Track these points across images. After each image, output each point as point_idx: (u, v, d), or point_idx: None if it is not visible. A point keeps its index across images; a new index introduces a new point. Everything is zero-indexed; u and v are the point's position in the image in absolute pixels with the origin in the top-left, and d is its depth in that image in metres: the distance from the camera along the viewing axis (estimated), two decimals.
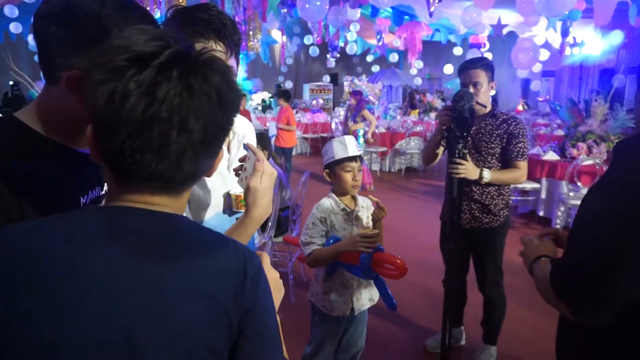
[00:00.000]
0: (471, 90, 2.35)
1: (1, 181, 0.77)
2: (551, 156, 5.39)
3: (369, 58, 13.97)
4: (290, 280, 3.45)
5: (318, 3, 6.20)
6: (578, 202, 4.79)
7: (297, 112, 12.81)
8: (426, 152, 2.60)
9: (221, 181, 1.20)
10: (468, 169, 2.21)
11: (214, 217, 1.19)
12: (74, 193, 0.88)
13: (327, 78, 16.61)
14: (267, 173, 1.01)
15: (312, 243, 1.86)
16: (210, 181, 1.15)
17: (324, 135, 10.95)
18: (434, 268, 3.76)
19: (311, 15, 6.54)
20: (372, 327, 3.05)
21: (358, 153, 1.94)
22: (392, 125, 9.41)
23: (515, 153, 2.36)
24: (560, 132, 7.29)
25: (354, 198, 2.00)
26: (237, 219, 1.13)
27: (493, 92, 2.43)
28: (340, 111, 12.17)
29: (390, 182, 8.07)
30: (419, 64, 12.73)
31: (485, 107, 2.42)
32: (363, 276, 1.87)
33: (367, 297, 2.01)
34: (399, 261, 1.77)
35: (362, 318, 2.08)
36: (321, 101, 15.36)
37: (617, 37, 8.96)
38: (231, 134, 1.21)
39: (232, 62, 1.08)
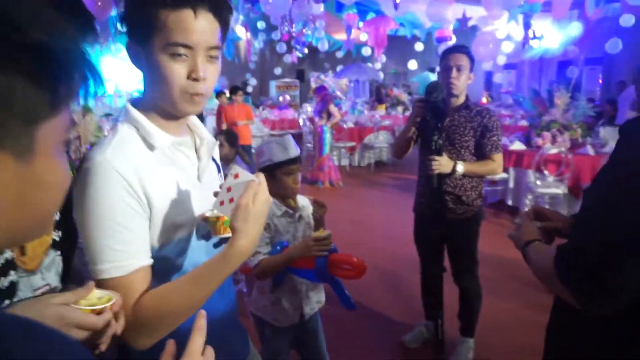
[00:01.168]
0: (454, 73, 2.31)
1: None
2: (518, 146, 5.47)
3: (339, 54, 13.89)
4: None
5: None
6: (545, 190, 4.92)
7: (263, 109, 12.66)
8: (398, 145, 2.55)
9: (191, 192, 0.99)
10: (442, 164, 2.23)
11: (185, 240, 0.98)
12: None
13: (278, 70, 16.22)
14: (264, 196, 0.84)
15: (257, 253, 1.70)
16: (177, 194, 0.96)
17: (292, 131, 10.84)
18: (408, 262, 3.74)
19: (274, 10, 6.42)
20: (349, 325, 2.99)
21: (298, 154, 1.80)
22: (360, 119, 9.40)
23: (490, 146, 2.34)
24: (524, 123, 7.45)
25: (293, 198, 1.85)
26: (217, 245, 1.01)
27: (469, 82, 2.40)
28: (308, 107, 12.09)
29: (360, 176, 8.04)
30: (382, 59, 12.80)
31: (457, 96, 2.38)
32: (319, 280, 1.76)
33: (315, 299, 1.90)
34: (355, 260, 1.68)
35: (317, 327, 1.95)
36: (288, 97, 15.23)
37: (574, 29, 9.22)
38: (198, 139, 1.04)
39: (218, 34, 0.93)
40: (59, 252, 0.87)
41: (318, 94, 7.21)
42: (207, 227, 1.01)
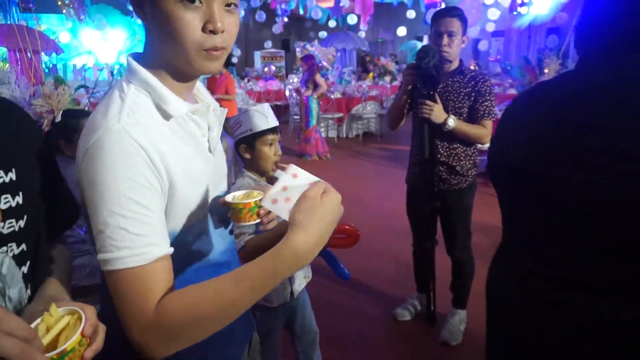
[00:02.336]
0: (445, 40, 2.20)
1: None
2: None
3: (331, 23, 13.54)
4: None
5: None
6: None
7: (248, 80, 12.39)
8: (391, 115, 2.44)
9: (209, 171, 0.90)
10: (434, 111, 2.14)
11: (203, 221, 0.89)
12: None
13: (269, 44, 15.93)
14: (337, 197, 0.74)
15: (241, 234, 1.58)
16: (193, 170, 0.84)
17: (278, 103, 10.64)
18: (398, 235, 3.71)
19: None
20: (339, 301, 2.96)
21: (277, 123, 1.69)
22: (348, 90, 9.24)
23: (482, 112, 2.24)
24: (512, 91, 7.39)
25: (273, 170, 1.73)
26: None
27: (463, 46, 2.29)
28: (294, 78, 11.86)
29: (349, 148, 7.96)
30: (363, 27, 12.54)
31: (450, 62, 2.28)
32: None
33: (302, 275, 1.85)
34: (347, 227, 1.62)
35: (305, 302, 1.91)
36: (273, 68, 14.93)
37: None
38: (205, 104, 0.89)
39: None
40: (3, 249, 0.72)
41: (305, 63, 7.03)
42: (230, 213, 0.90)
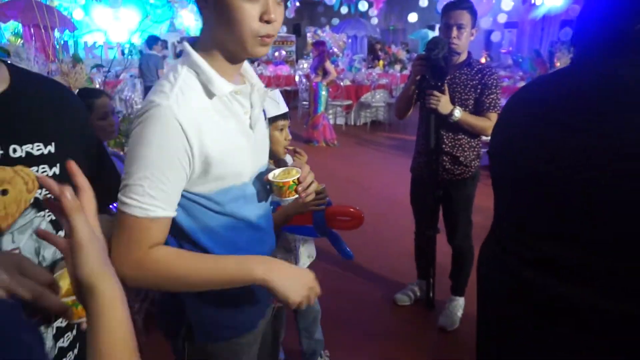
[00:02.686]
0: (454, 32, 2.24)
1: None
2: None
3: (344, 10, 13.42)
4: None
5: None
6: None
7: (258, 64, 12.38)
8: (399, 105, 2.49)
9: (248, 145, 1.02)
10: (441, 102, 2.19)
11: (238, 187, 1.01)
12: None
13: (284, 28, 15.92)
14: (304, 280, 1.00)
15: None
16: (233, 143, 0.97)
17: (288, 88, 10.64)
18: (401, 222, 3.77)
19: None
20: (342, 285, 3.04)
21: (287, 110, 1.76)
22: (357, 77, 9.22)
23: (487, 105, 2.29)
24: (522, 84, 7.36)
25: (283, 155, 1.81)
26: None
27: (472, 39, 2.33)
28: (304, 63, 11.82)
29: (356, 136, 7.99)
30: (373, 12, 12.43)
31: (459, 54, 2.32)
32: (317, 235, 1.76)
33: (306, 254, 1.92)
34: (352, 210, 1.68)
35: None
36: (284, 53, 14.87)
37: None
38: (249, 85, 1.02)
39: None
40: (41, 214, 0.80)
41: (316, 49, 7.04)
42: (272, 190, 1.07)
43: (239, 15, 0.86)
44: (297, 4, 11.50)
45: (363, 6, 12.13)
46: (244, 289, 0.96)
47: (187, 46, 0.95)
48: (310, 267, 1.95)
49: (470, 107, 2.32)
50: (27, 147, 0.76)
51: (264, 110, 1.14)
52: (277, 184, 1.04)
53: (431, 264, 2.60)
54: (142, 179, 0.85)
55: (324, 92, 6.89)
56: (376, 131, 8.37)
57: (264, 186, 1.09)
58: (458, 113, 2.24)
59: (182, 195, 0.94)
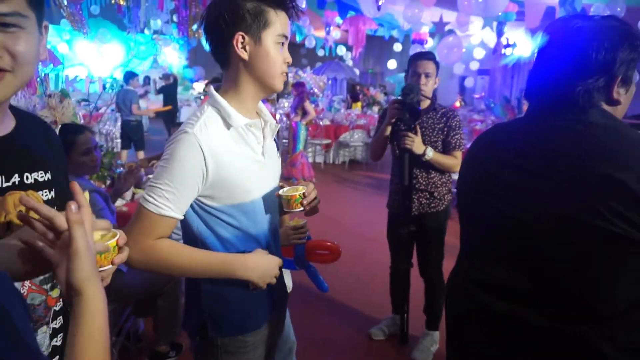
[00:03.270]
0: (422, 80, 2.47)
1: None
2: None
3: (320, 52, 13.90)
4: None
5: None
6: None
7: None
8: (375, 147, 2.66)
9: (258, 169, 1.24)
10: (415, 142, 2.36)
11: (249, 204, 1.23)
12: None
13: None
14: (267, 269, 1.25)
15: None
16: (245, 166, 1.20)
17: None
18: (377, 258, 3.85)
19: None
20: (317, 318, 3.07)
21: None
22: (337, 117, 9.48)
23: (453, 144, 2.50)
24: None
25: None
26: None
27: (436, 86, 2.56)
28: (285, 102, 12.08)
29: (334, 174, 8.14)
30: (347, 55, 12.91)
31: (430, 99, 2.54)
32: (296, 267, 1.84)
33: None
34: (329, 244, 1.78)
35: (285, 314, 2.05)
36: None
37: (545, 39, 9.55)
38: (263, 121, 1.27)
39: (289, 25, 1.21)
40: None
41: (296, 90, 7.27)
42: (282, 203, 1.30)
43: (275, 59, 1.17)
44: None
45: (341, 50, 12.59)
46: (250, 294, 1.25)
47: (212, 90, 1.23)
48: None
49: (439, 147, 2.50)
50: (35, 175, 0.89)
51: (276, 142, 1.38)
52: (286, 197, 1.26)
53: (405, 298, 2.68)
54: (163, 184, 1.10)
55: (303, 132, 7.05)
56: (354, 170, 8.55)
57: (272, 203, 1.30)
58: (430, 152, 2.41)
59: (202, 209, 1.19)
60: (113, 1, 7.63)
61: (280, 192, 1.28)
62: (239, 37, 1.13)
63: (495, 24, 8.84)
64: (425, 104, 2.54)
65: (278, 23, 1.16)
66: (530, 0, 7.67)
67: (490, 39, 9.87)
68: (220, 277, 1.20)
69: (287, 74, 1.23)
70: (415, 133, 2.37)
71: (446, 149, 2.51)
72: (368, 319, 3.05)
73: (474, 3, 5.96)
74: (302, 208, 1.29)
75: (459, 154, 2.50)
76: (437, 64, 2.52)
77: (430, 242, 2.63)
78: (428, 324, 2.76)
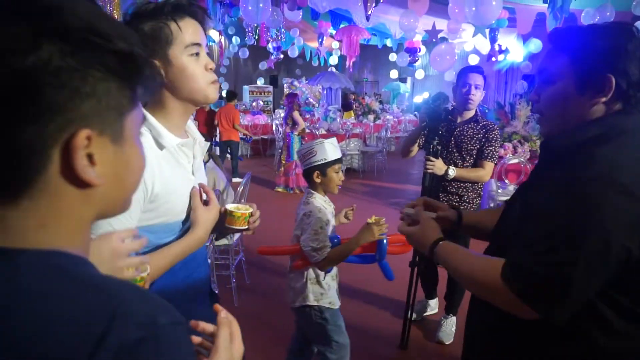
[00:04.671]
0: (472, 91, 2.64)
1: None
2: None
3: (316, 62, 14.02)
4: (232, 284, 3.40)
5: (261, 5, 6.15)
6: (506, 198, 5.13)
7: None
8: (405, 144, 2.88)
9: (187, 185, 1.18)
10: (436, 166, 2.54)
11: (176, 223, 1.17)
12: None
13: (261, 80, 16.50)
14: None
15: (325, 247, 1.88)
16: (177, 187, 1.13)
17: (265, 137, 10.88)
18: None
19: (254, 17, 6.48)
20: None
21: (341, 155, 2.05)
22: (332, 127, 9.54)
23: (485, 154, 2.66)
24: None
25: (334, 193, 2.09)
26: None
27: (481, 97, 2.73)
28: (281, 113, 12.15)
29: None
30: (334, 59, 13.05)
31: (471, 110, 2.72)
32: (374, 261, 2.02)
33: (330, 277, 2.09)
34: (403, 236, 1.94)
35: None
36: (261, 103, 15.26)
37: (536, 45, 9.66)
38: (192, 139, 1.20)
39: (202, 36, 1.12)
40: None
41: (287, 100, 7.36)
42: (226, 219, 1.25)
43: (193, 72, 1.09)
44: (282, 56, 11.98)
45: (334, 60, 12.68)
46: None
47: (140, 107, 1.15)
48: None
49: (474, 155, 2.68)
50: None
51: (204, 160, 1.33)
52: (236, 214, 1.23)
53: (434, 285, 3.01)
54: None
55: (296, 142, 7.07)
56: (350, 178, 8.57)
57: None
58: (452, 172, 2.59)
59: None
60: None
61: (229, 207, 1.24)
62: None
63: (487, 30, 8.95)
64: (470, 114, 2.72)
65: (184, 33, 1.06)
66: (521, 7, 7.77)
67: (483, 45, 9.96)
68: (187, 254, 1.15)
69: (217, 80, 1.14)
70: (436, 155, 2.54)
71: (478, 157, 2.68)
72: (370, 323, 3.06)
73: (466, 12, 6.04)
74: (247, 227, 1.25)
75: (488, 165, 2.67)
76: (485, 77, 2.73)
77: (456, 240, 2.72)
78: (448, 309, 2.96)
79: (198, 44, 1.08)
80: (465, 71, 2.74)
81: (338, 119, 10.66)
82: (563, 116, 1.04)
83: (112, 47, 0.45)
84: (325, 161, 1.96)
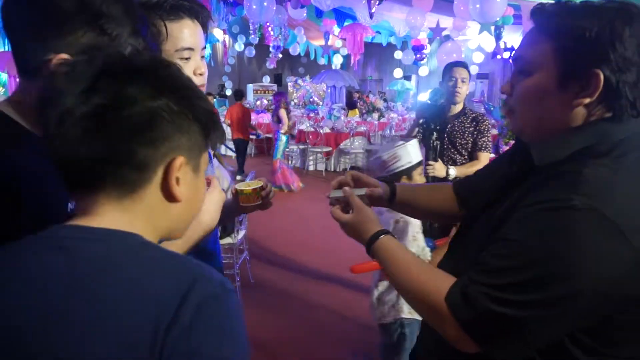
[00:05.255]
0: (459, 84, 2.68)
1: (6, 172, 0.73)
2: None
3: (321, 61, 13.99)
4: (237, 282, 3.40)
5: (265, 4, 6.14)
6: None
7: None
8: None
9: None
10: (436, 169, 2.56)
11: None
12: (63, 196, 0.77)
13: (267, 78, 16.51)
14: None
15: (425, 250, 1.87)
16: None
17: (269, 135, 10.87)
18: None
19: (258, 16, 6.48)
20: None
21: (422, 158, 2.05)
22: (337, 125, 9.52)
23: (479, 146, 2.69)
24: (494, 131, 7.72)
25: None
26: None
27: (467, 92, 2.76)
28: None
29: None
30: (338, 58, 13.08)
31: (458, 104, 2.75)
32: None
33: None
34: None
35: None
36: (265, 102, 15.25)
37: None
38: None
39: (201, 36, 1.11)
40: None
41: (274, 99, 7.46)
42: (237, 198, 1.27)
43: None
44: (280, 55, 11.96)
45: (338, 59, 12.65)
46: None
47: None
48: None
49: (469, 149, 2.71)
50: None
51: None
52: (246, 191, 1.23)
53: None
54: None
55: (282, 140, 7.04)
56: None
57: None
58: (453, 172, 2.60)
59: None
60: None
61: (237, 186, 1.24)
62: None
63: (492, 28, 8.88)
64: (458, 108, 2.75)
65: (177, 36, 1.04)
66: (527, 4, 7.71)
67: (488, 43, 9.91)
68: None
69: (202, 86, 1.11)
70: (435, 153, 2.56)
71: (472, 151, 2.71)
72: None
73: (470, 9, 6.00)
74: (260, 202, 1.24)
75: (484, 156, 2.69)
76: (469, 71, 2.77)
77: None
78: None
79: (190, 49, 1.07)
80: (451, 65, 2.77)
81: (342, 118, 10.63)
82: (539, 117, 0.85)
83: (200, 103, 0.63)
84: (411, 164, 1.91)
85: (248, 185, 1.25)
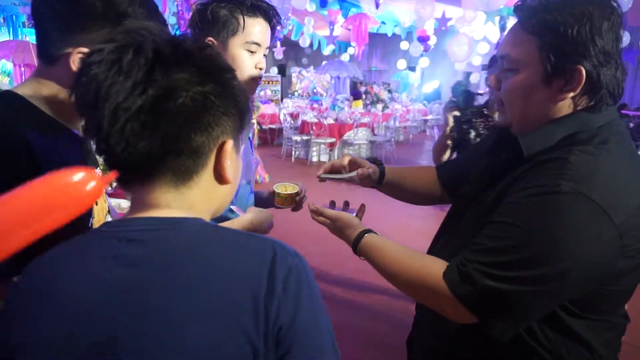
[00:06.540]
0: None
1: (23, 149, 0.77)
2: None
3: (327, 51, 13.93)
4: None
5: None
6: None
7: None
8: (436, 152, 2.80)
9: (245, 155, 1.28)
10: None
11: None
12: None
13: (274, 70, 16.47)
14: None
15: None
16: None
17: (272, 126, 10.87)
18: None
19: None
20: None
21: None
22: (340, 116, 9.49)
23: None
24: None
25: None
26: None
27: None
28: (289, 102, 12.13)
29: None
30: (350, 51, 13.00)
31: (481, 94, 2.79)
32: None
33: None
34: None
35: None
36: (269, 92, 15.23)
37: None
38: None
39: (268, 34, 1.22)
40: None
41: None
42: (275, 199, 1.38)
43: (241, 64, 1.19)
44: (278, 45, 11.92)
45: (350, 51, 12.57)
46: None
47: None
48: None
49: None
50: None
51: (249, 139, 1.40)
52: (283, 194, 1.34)
53: None
54: None
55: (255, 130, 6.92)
56: None
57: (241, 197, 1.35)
58: None
59: None
60: None
61: (276, 189, 1.36)
62: (208, 42, 1.17)
63: (497, 18, 8.81)
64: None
65: (250, 30, 1.18)
66: None
67: (493, 34, 9.83)
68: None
69: (260, 78, 1.24)
70: (486, 115, 2.52)
71: None
72: (382, 313, 3.08)
73: None
74: (294, 204, 1.39)
75: None
76: None
77: None
78: None
79: (258, 44, 1.19)
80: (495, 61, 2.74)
81: (346, 108, 10.60)
82: (526, 111, 0.90)
83: (238, 85, 0.64)
84: None
85: (285, 188, 1.35)
